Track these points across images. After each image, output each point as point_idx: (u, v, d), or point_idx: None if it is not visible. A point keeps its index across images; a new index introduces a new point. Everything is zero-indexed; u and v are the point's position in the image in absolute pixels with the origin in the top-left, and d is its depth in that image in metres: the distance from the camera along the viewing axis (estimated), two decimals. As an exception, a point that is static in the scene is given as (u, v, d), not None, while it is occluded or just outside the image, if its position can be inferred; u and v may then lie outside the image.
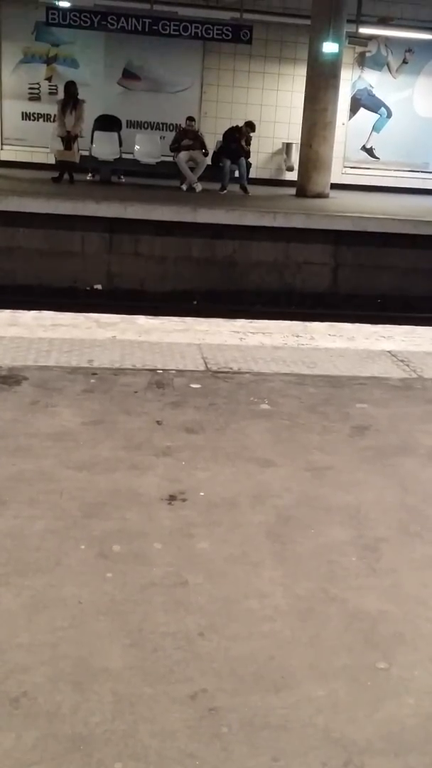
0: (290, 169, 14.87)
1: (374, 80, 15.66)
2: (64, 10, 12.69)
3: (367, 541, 2.46)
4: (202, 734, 1.65)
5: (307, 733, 1.67)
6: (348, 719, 1.72)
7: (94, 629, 1.95)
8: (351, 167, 15.77)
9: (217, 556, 2.31)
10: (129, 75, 14.87)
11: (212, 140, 13.49)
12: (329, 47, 12.16)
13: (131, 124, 14.66)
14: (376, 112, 15.85)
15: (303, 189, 12.95)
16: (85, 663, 1.83)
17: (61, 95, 12.82)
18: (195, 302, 9.58)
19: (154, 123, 15.02)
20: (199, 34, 13.12)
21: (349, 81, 15.01)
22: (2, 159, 14.50)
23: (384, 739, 1.68)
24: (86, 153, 12.93)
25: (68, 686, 1.76)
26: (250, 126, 13.06)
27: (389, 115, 15.88)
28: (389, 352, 4.68)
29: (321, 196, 12.81)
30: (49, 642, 1.89)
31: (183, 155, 12.72)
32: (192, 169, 12.75)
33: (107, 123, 13.56)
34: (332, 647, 1.95)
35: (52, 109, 13.41)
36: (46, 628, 1.94)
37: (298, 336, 5.74)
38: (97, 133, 13.34)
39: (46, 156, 13.59)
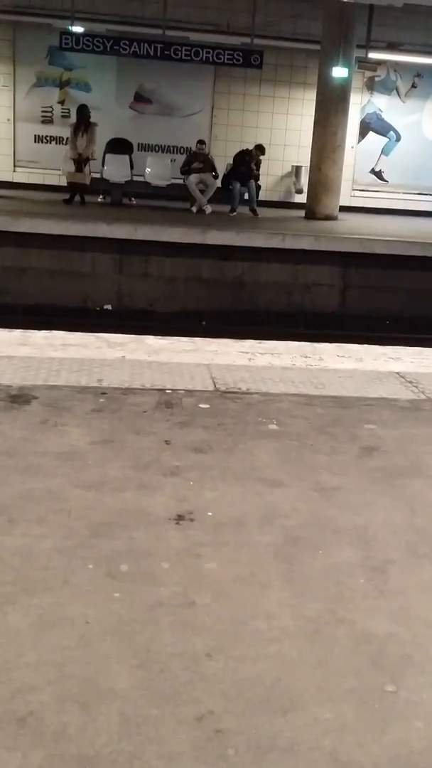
0: (299, 191, 14.96)
1: (383, 104, 15.79)
2: (77, 35, 12.89)
3: (375, 563, 2.45)
4: (208, 756, 1.64)
5: (314, 756, 1.66)
6: (355, 742, 1.71)
7: (101, 649, 1.95)
8: (360, 190, 15.86)
9: (225, 576, 2.31)
10: (141, 99, 15.05)
11: (222, 163, 13.61)
12: (339, 72, 12.30)
13: (142, 147, 14.81)
14: (385, 136, 15.96)
15: (312, 211, 13.03)
16: (91, 683, 1.83)
17: (73, 118, 13.00)
18: (204, 323, 9.62)
19: (165, 146, 15.17)
20: (211, 59, 13.30)
21: (358, 105, 15.13)
22: (15, 181, 14.65)
23: (392, 763, 1.66)
24: (98, 175, 13.07)
25: (75, 706, 1.75)
26: (260, 149, 13.21)
27: (398, 138, 15.99)
28: (398, 373, 4.68)
29: (330, 218, 12.88)
30: (56, 661, 1.89)
31: (193, 178, 12.85)
32: (202, 191, 12.86)
33: (119, 146, 13.71)
34: (340, 669, 1.94)
35: (65, 132, 13.59)
36: (53, 647, 1.94)
37: (306, 357, 5.75)
38: (108, 156, 13.49)
39: (58, 178, 13.73)
